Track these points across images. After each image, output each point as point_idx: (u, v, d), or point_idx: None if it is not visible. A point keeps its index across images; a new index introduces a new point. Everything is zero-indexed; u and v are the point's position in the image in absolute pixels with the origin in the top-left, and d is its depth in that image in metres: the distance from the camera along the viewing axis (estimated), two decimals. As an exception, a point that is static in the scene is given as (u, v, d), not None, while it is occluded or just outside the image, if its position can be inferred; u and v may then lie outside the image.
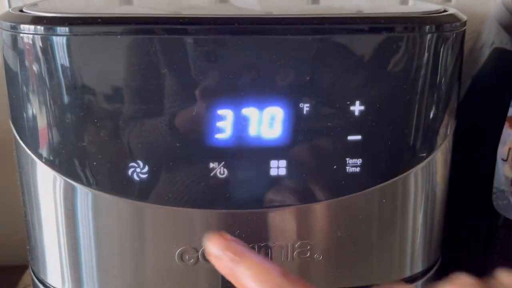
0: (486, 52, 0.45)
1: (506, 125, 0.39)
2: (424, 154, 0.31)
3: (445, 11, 0.32)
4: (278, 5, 0.39)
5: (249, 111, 0.28)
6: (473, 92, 0.45)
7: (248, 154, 0.29)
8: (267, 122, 0.28)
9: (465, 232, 0.44)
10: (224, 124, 0.28)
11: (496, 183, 0.39)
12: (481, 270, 0.43)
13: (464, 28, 0.31)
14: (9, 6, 0.49)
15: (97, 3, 0.37)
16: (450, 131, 0.33)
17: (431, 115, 0.31)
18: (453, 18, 0.30)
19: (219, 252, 0.24)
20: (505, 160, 0.39)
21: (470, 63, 0.48)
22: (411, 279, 0.34)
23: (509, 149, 0.38)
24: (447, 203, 0.37)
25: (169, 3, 0.38)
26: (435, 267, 0.36)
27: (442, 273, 0.38)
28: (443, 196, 0.35)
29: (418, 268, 0.34)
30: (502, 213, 0.39)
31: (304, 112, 0.28)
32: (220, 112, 0.28)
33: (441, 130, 0.32)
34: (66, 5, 0.35)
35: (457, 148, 0.42)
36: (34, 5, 0.33)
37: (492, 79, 0.44)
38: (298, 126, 0.29)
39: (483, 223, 0.42)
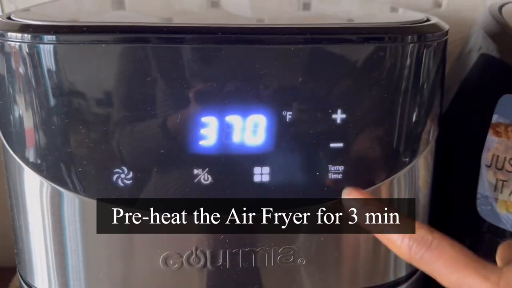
0: (474, 57, 0.46)
1: (490, 131, 0.39)
2: (406, 160, 0.32)
3: (427, 20, 0.32)
4: (269, 11, 0.39)
5: (233, 119, 0.29)
6: (460, 97, 0.46)
7: (231, 161, 0.29)
8: (251, 129, 0.29)
9: (450, 236, 0.44)
10: (208, 131, 0.29)
11: (480, 189, 0.40)
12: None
13: (446, 37, 0.32)
14: (2, 11, 0.49)
15: (90, 8, 0.37)
16: (432, 138, 0.33)
17: (413, 123, 0.31)
18: (435, 27, 0.31)
19: (359, 205, 0.27)
20: (488, 166, 0.39)
21: (459, 67, 0.48)
22: (395, 284, 0.35)
23: (493, 155, 0.39)
24: (432, 208, 0.37)
25: (161, 7, 0.39)
26: (418, 273, 0.36)
27: (426, 277, 0.39)
28: (426, 201, 0.35)
29: (402, 272, 0.35)
30: (486, 219, 0.39)
31: (287, 119, 0.29)
32: (204, 119, 0.28)
33: (423, 137, 0.32)
34: (57, 11, 0.35)
35: (442, 152, 0.42)
36: (26, 11, 0.33)
37: (478, 85, 0.45)
38: (281, 134, 0.29)
39: (468, 229, 0.42)
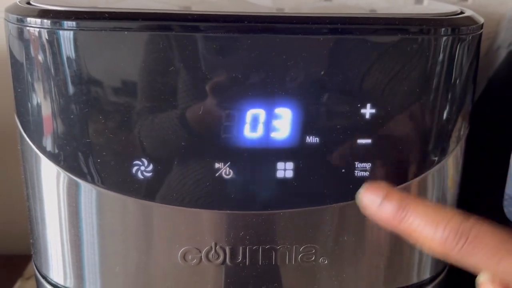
0: (503, 54, 0.44)
1: (521, 130, 0.38)
2: (436, 159, 0.31)
3: (461, 12, 0.31)
4: (290, 1, 0.38)
5: (257, 111, 0.28)
6: (488, 94, 0.44)
7: (254, 155, 0.28)
8: (275, 123, 0.28)
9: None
10: (231, 124, 0.28)
11: (508, 190, 0.39)
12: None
13: (481, 31, 0.30)
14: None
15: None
16: (463, 136, 0.32)
17: (444, 120, 0.30)
18: (470, 20, 0.30)
19: (377, 198, 0.24)
20: (518, 167, 0.38)
21: (486, 64, 0.47)
22: (418, 286, 0.34)
23: (523, 155, 0.38)
24: (458, 208, 0.36)
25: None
26: (443, 274, 0.35)
27: (450, 280, 0.37)
28: (453, 201, 0.34)
29: (426, 275, 0.34)
30: None
31: (313, 113, 0.28)
32: (227, 112, 0.27)
33: (454, 135, 0.31)
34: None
35: (469, 151, 0.41)
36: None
37: (507, 82, 0.43)
38: (306, 128, 0.28)
39: None
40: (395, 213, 0.23)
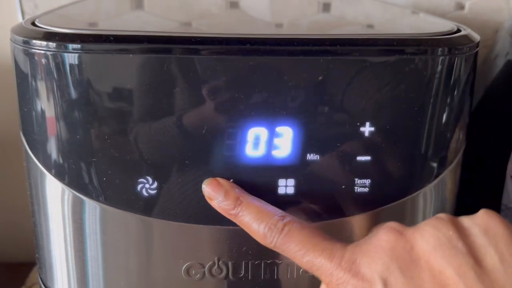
0: (500, 63, 0.45)
1: (517, 142, 0.38)
2: (434, 174, 0.31)
3: (458, 30, 0.31)
4: (289, 13, 0.38)
5: (259, 130, 0.28)
6: (485, 103, 0.45)
7: (256, 172, 0.29)
8: (277, 141, 0.28)
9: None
10: (233, 143, 0.28)
11: (504, 200, 0.39)
12: None
13: (477, 49, 0.31)
14: (22, 13, 0.49)
15: (108, 8, 0.37)
16: (460, 150, 0.32)
17: (442, 136, 0.31)
18: (466, 39, 0.30)
19: (218, 196, 0.28)
20: (514, 178, 0.38)
21: (484, 73, 0.47)
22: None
23: (519, 166, 0.38)
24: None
25: (179, 7, 0.38)
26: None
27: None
28: (451, 211, 0.35)
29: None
30: None
31: (314, 132, 0.28)
32: (230, 130, 0.28)
33: (452, 150, 0.32)
34: (78, 13, 0.35)
35: (466, 160, 0.42)
36: (49, 14, 0.33)
37: (504, 92, 0.44)
38: (307, 146, 0.29)
39: None
40: (232, 209, 0.27)
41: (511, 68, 0.43)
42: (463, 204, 0.42)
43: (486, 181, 0.42)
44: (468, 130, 0.33)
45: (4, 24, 0.37)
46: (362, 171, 0.29)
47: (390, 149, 0.29)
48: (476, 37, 0.31)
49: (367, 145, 0.29)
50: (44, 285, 0.34)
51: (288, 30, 0.34)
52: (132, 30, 0.27)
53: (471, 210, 0.43)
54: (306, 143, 0.29)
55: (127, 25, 0.33)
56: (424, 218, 0.32)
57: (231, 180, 0.29)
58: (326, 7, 0.41)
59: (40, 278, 0.35)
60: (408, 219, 0.32)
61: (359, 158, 0.29)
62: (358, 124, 0.28)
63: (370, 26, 0.36)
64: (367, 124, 0.28)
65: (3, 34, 0.41)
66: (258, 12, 0.39)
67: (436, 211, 0.33)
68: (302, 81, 0.27)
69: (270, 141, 0.28)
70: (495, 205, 0.40)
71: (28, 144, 0.30)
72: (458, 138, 0.32)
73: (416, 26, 0.38)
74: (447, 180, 0.32)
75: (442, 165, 0.31)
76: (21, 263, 0.61)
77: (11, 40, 0.29)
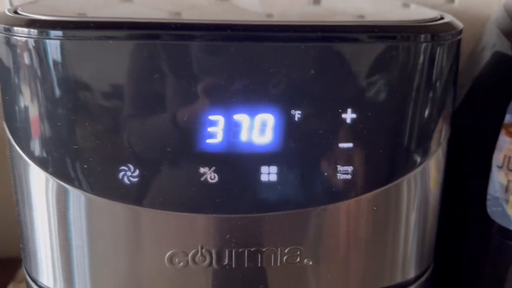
0: (487, 55, 0.45)
1: (503, 131, 0.39)
2: (417, 162, 0.31)
3: (441, 18, 0.31)
4: (279, 5, 0.39)
5: (241, 117, 0.28)
6: (473, 95, 0.45)
7: (239, 160, 0.29)
8: (258, 128, 0.28)
9: (459, 239, 0.44)
10: (216, 130, 0.28)
11: (490, 190, 0.39)
12: (475, 277, 0.43)
13: (460, 36, 0.31)
14: (10, 4, 0.49)
15: (97, 1, 0.37)
16: (444, 139, 0.32)
17: (425, 123, 0.31)
18: (449, 26, 0.30)
19: None
20: (500, 167, 0.39)
21: (471, 65, 0.48)
22: (403, 285, 0.34)
23: (504, 156, 0.38)
24: (441, 209, 0.37)
25: (169, 1, 0.38)
26: (427, 273, 0.36)
27: (435, 279, 0.38)
28: (436, 203, 0.35)
29: (410, 274, 0.35)
30: (496, 220, 0.39)
31: (296, 119, 0.28)
32: (212, 117, 0.28)
33: (435, 138, 0.32)
34: (65, 3, 0.35)
35: (453, 152, 0.42)
36: (33, 3, 0.33)
37: (491, 84, 0.44)
38: (289, 133, 0.29)
39: (477, 230, 0.42)
40: None
41: (498, 60, 0.43)
42: (451, 194, 0.43)
43: (473, 171, 0.42)
44: (454, 118, 0.33)
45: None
46: (345, 158, 0.29)
47: (372, 136, 0.29)
48: (459, 24, 0.31)
49: (349, 132, 0.29)
50: (29, 276, 0.34)
51: (277, 20, 0.34)
52: (114, 17, 0.27)
53: (458, 200, 0.43)
54: (288, 130, 0.29)
55: (113, 15, 0.33)
56: (407, 206, 0.32)
57: (213, 168, 0.29)
58: (317, 0, 0.41)
59: (25, 269, 0.35)
60: (391, 206, 0.32)
61: (341, 145, 0.29)
62: (340, 110, 0.28)
63: (360, 16, 0.36)
64: (349, 111, 0.28)
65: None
66: (250, 5, 0.39)
67: (420, 200, 0.33)
68: (283, 68, 0.27)
69: (251, 128, 0.28)
70: (482, 195, 0.40)
71: (11, 133, 0.30)
72: (441, 126, 0.32)
73: (402, 15, 0.38)
74: (431, 168, 0.32)
75: (425, 153, 0.31)
76: (11, 258, 0.61)
77: (-8, 28, 0.29)
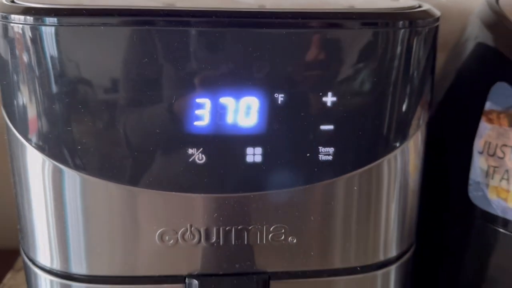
0: (470, 46, 0.46)
1: (483, 118, 0.40)
2: (397, 143, 0.33)
3: (419, 7, 0.33)
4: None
5: (226, 100, 0.30)
6: (456, 85, 0.47)
7: (225, 141, 0.30)
8: (243, 111, 0.30)
9: (443, 223, 0.45)
10: (203, 112, 0.30)
11: (472, 175, 0.41)
12: (458, 259, 0.44)
13: (437, 23, 0.33)
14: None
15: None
16: (422, 122, 0.34)
17: (403, 107, 0.32)
18: (426, 14, 0.32)
19: None
20: (480, 153, 0.40)
21: (455, 56, 0.49)
22: (385, 264, 0.36)
23: (485, 142, 0.40)
24: (426, 193, 0.38)
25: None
26: (409, 253, 0.38)
27: (417, 259, 0.40)
28: (416, 184, 0.36)
29: (392, 253, 0.36)
30: (478, 205, 0.40)
31: (279, 102, 0.30)
32: (199, 100, 0.30)
33: (414, 121, 0.33)
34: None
35: (438, 139, 0.43)
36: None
37: (473, 73, 0.45)
38: (273, 116, 0.30)
39: (459, 215, 0.43)
40: None
41: (480, 50, 0.45)
42: (435, 179, 0.44)
43: (456, 157, 0.43)
44: (430, 103, 0.35)
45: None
46: (326, 139, 0.31)
47: (352, 119, 0.31)
48: (436, 13, 0.33)
49: (330, 114, 0.30)
50: (27, 256, 0.36)
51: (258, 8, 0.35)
52: (106, 5, 0.29)
53: (442, 185, 0.44)
54: (272, 113, 0.30)
55: (105, 3, 0.34)
56: (388, 187, 0.34)
57: (201, 149, 0.30)
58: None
59: (22, 249, 0.36)
60: (372, 187, 0.33)
61: (322, 127, 0.31)
62: (321, 94, 0.30)
63: (351, 6, 0.37)
64: (329, 94, 0.30)
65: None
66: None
67: (400, 181, 0.34)
68: (267, 53, 0.29)
69: (237, 111, 0.30)
70: (464, 180, 0.41)
71: (8, 117, 0.32)
72: (420, 110, 0.33)
73: (385, 4, 0.39)
74: (410, 149, 0.34)
75: (404, 135, 0.33)
76: (9, 249, 0.62)
77: (-9, 17, 0.30)
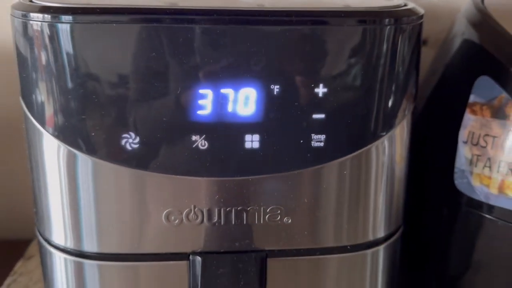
0: (457, 43, 0.49)
1: (467, 110, 0.42)
2: (384, 131, 0.35)
3: (405, 5, 0.36)
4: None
5: (227, 91, 0.33)
6: (444, 79, 0.49)
7: (225, 129, 0.33)
8: (242, 101, 0.33)
9: (430, 209, 0.48)
10: (205, 102, 0.33)
11: (457, 164, 0.43)
12: (445, 243, 0.47)
13: (421, 21, 0.35)
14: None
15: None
16: (408, 112, 0.36)
17: (389, 98, 0.35)
18: (410, 12, 0.34)
19: None
20: (465, 142, 0.42)
21: (444, 52, 0.51)
22: (374, 243, 0.38)
23: (469, 132, 0.42)
24: (410, 182, 0.41)
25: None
26: (397, 234, 0.40)
27: (404, 240, 0.42)
28: (403, 168, 0.38)
29: (380, 233, 0.38)
30: (462, 191, 0.42)
31: (275, 93, 0.33)
32: (202, 91, 0.32)
33: (399, 111, 0.36)
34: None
35: (426, 130, 0.45)
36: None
37: (459, 68, 0.48)
38: (269, 105, 0.33)
39: (446, 202, 0.45)
40: None
41: (465, 46, 0.47)
42: (423, 167, 0.47)
43: (442, 147, 0.46)
44: (415, 95, 0.37)
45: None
46: (318, 127, 0.34)
47: (341, 108, 0.34)
48: (420, 10, 0.35)
49: (321, 104, 0.33)
50: (42, 237, 0.38)
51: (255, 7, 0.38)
52: (117, 4, 0.32)
53: (429, 173, 0.47)
54: (268, 103, 0.33)
55: (116, 2, 0.37)
56: (376, 172, 0.36)
57: (204, 136, 0.33)
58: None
59: (38, 231, 0.39)
60: (361, 171, 0.36)
61: (314, 116, 0.33)
62: (313, 85, 0.33)
63: (346, 6, 0.40)
64: (321, 85, 0.33)
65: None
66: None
67: (388, 164, 0.37)
68: (263, 48, 0.32)
69: (236, 101, 0.33)
70: (450, 168, 0.44)
71: (26, 107, 0.35)
72: (405, 100, 0.36)
73: (373, 3, 0.42)
74: (397, 136, 0.36)
75: (391, 124, 0.35)
76: (20, 240, 0.65)
77: (11, 15, 0.33)
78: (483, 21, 0.45)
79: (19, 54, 0.33)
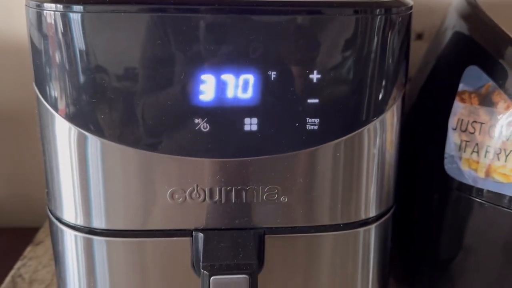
0: (449, 35, 0.51)
1: (457, 98, 0.44)
2: (375, 115, 0.37)
3: (396, -3, 0.38)
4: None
5: (227, 77, 0.35)
6: (436, 70, 0.51)
7: (226, 112, 0.35)
8: (242, 86, 0.35)
9: (421, 193, 0.50)
10: (207, 87, 0.35)
11: (447, 150, 0.45)
12: (435, 226, 0.48)
13: (410, 11, 0.37)
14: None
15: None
16: (398, 96, 0.38)
17: (381, 84, 0.37)
18: (399, 3, 0.37)
19: None
20: (454, 129, 0.44)
21: (436, 44, 0.53)
22: (366, 222, 0.41)
23: (458, 119, 0.44)
24: (400, 168, 0.43)
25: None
26: (388, 214, 0.42)
27: (395, 220, 0.44)
28: (393, 151, 0.40)
29: (372, 213, 0.40)
30: (452, 175, 0.44)
31: (272, 78, 0.35)
32: (203, 77, 0.35)
33: (390, 97, 0.38)
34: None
35: (418, 117, 0.47)
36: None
37: (450, 59, 0.50)
38: (266, 90, 0.35)
39: (436, 187, 0.47)
40: None
41: (456, 39, 0.49)
42: (414, 153, 0.49)
43: (433, 133, 0.48)
44: (405, 81, 0.39)
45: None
46: (312, 111, 0.36)
47: (334, 93, 0.36)
48: (409, 2, 0.37)
49: (315, 89, 0.35)
50: (53, 215, 0.41)
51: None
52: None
53: (420, 158, 0.49)
54: (266, 88, 0.35)
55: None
56: (369, 152, 0.38)
57: (205, 119, 0.35)
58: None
59: (49, 210, 0.41)
60: (354, 153, 0.38)
61: (309, 100, 0.36)
62: (307, 71, 0.35)
63: None
64: (315, 72, 0.35)
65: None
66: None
67: (379, 147, 0.38)
68: (261, 36, 0.34)
69: (236, 86, 0.35)
70: (440, 153, 0.46)
71: (39, 91, 0.37)
72: (396, 87, 0.38)
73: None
74: (387, 120, 0.38)
75: (382, 108, 0.37)
76: (29, 227, 0.67)
77: (26, 5, 0.35)
78: (473, 14, 0.47)
79: (33, 43, 0.36)
